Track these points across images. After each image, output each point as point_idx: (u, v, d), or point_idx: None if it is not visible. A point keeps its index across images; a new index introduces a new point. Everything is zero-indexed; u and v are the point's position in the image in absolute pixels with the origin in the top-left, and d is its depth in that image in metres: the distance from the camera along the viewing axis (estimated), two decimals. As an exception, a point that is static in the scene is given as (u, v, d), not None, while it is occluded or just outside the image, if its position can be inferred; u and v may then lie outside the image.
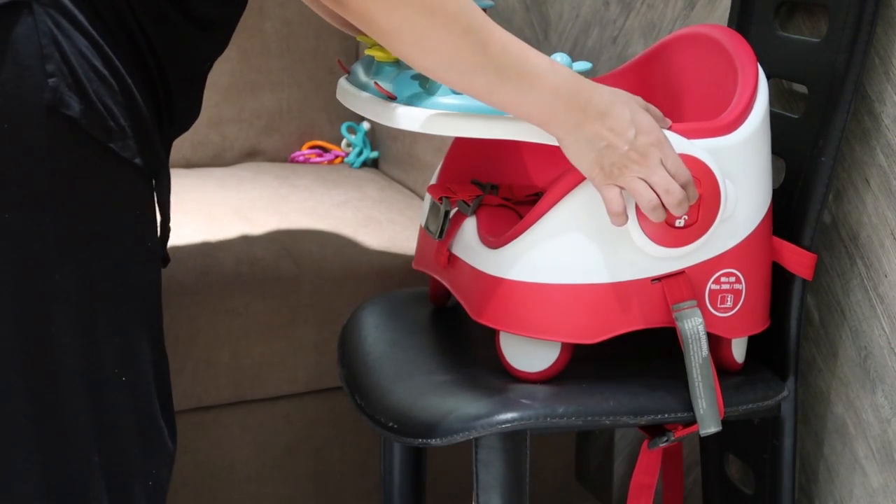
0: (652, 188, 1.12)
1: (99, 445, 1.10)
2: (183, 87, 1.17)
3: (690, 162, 1.13)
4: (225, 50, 1.24)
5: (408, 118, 1.13)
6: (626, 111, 1.11)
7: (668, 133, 1.14)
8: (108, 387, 1.10)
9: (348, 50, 2.21)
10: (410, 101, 1.14)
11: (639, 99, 1.15)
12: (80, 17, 1.04)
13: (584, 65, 1.18)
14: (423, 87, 1.14)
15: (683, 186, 1.12)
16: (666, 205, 1.12)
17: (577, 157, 1.12)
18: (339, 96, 1.26)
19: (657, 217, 1.12)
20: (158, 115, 1.14)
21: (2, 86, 1.00)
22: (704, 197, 1.14)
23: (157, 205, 1.16)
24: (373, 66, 1.22)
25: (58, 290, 1.05)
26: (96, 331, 1.08)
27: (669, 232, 1.14)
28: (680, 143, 1.14)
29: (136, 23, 1.09)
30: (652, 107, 1.16)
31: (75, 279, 1.06)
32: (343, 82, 1.26)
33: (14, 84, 1.01)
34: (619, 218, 1.13)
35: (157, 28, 1.11)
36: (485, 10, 1.24)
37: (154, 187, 1.14)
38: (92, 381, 1.08)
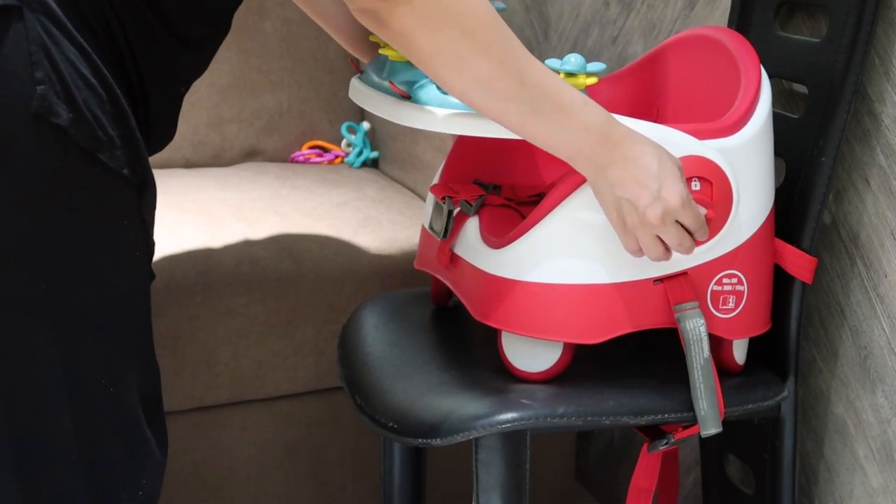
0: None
1: (83, 457, 1.09)
2: (161, 107, 1.17)
3: (702, 163, 1.13)
4: (202, 74, 1.24)
5: (423, 117, 1.13)
6: (655, 161, 1.09)
7: (679, 133, 1.14)
8: (93, 397, 1.09)
9: (347, 50, 2.20)
10: (425, 100, 1.14)
11: (674, 158, 1.13)
12: (69, 25, 1.03)
13: (598, 66, 1.17)
14: (438, 87, 1.14)
15: (698, 233, 1.14)
16: (675, 251, 1.13)
17: (599, 196, 1.12)
18: (352, 96, 1.26)
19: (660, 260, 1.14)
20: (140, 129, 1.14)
21: None
22: (716, 198, 1.14)
23: (142, 214, 1.15)
24: (386, 66, 1.22)
25: (43, 300, 1.05)
26: (82, 341, 1.08)
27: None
28: (691, 144, 1.14)
29: (124, 36, 1.09)
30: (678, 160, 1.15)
31: (61, 289, 1.05)
32: (356, 81, 1.26)
33: (1, 91, 1.00)
34: (636, 254, 1.14)
35: (143, 43, 1.10)
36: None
37: (142, 197, 1.13)
38: (76, 392, 1.08)
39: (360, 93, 1.23)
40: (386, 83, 1.18)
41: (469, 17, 1.03)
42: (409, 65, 1.20)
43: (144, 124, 1.15)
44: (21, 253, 1.03)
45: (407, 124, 1.15)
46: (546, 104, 1.07)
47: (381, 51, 1.22)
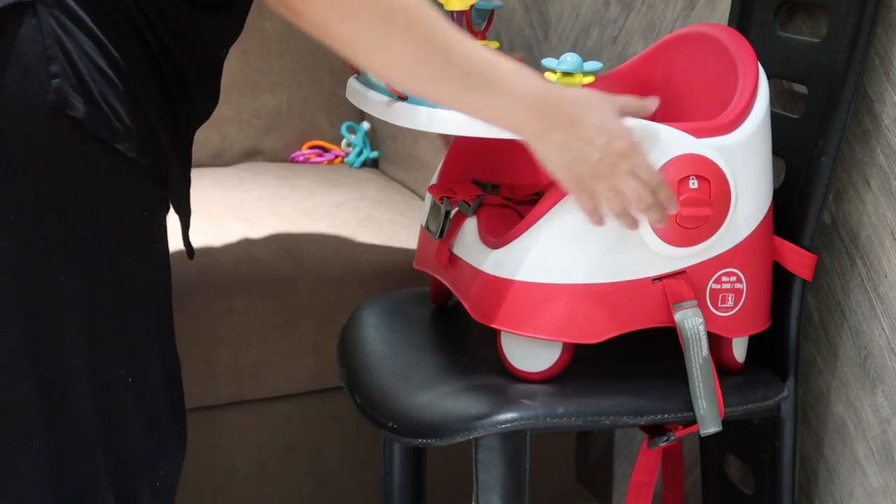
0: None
1: (105, 446, 1.10)
2: (198, 73, 1.16)
3: (700, 161, 1.14)
4: (239, 35, 1.23)
5: (420, 117, 1.13)
6: (597, 116, 1.09)
7: (677, 132, 1.14)
8: (115, 387, 1.10)
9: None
10: (420, 100, 1.14)
11: (614, 99, 1.13)
12: (84, 17, 1.03)
13: (595, 64, 1.17)
14: None
15: (656, 190, 1.12)
16: (638, 210, 1.12)
17: (548, 162, 1.11)
18: (349, 96, 1.26)
19: (626, 223, 1.13)
20: (173, 107, 1.13)
21: (6, 87, 1.00)
22: (715, 196, 1.14)
23: (171, 203, 1.15)
24: None
25: (63, 291, 1.05)
26: (102, 331, 1.08)
27: (679, 231, 1.14)
28: (689, 142, 1.14)
29: (142, 16, 1.08)
30: (628, 99, 1.15)
31: (81, 280, 1.06)
32: (353, 82, 1.26)
33: (18, 85, 1.00)
34: (594, 216, 1.13)
35: (164, 18, 1.10)
36: (493, 10, 1.23)
37: (165, 186, 1.13)
38: (98, 382, 1.08)
39: (357, 93, 1.23)
40: (382, 83, 1.18)
41: (385, 1, 1.01)
42: None
43: (182, 96, 1.14)
44: (39, 244, 1.04)
45: (403, 124, 1.15)
46: (477, 79, 1.05)
47: None
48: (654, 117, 1.32)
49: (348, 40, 1.03)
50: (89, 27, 1.04)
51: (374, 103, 1.19)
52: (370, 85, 1.22)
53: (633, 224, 1.14)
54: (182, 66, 1.13)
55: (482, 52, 1.06)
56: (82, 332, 1.07)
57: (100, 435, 1.09)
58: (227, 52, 1.22)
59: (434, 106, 1.13)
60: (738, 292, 1.20)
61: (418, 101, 1.14)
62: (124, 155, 1.06)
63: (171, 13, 1.10)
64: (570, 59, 1.14)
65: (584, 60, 1.18)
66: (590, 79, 1.15)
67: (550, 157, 1.10)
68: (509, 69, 1.07)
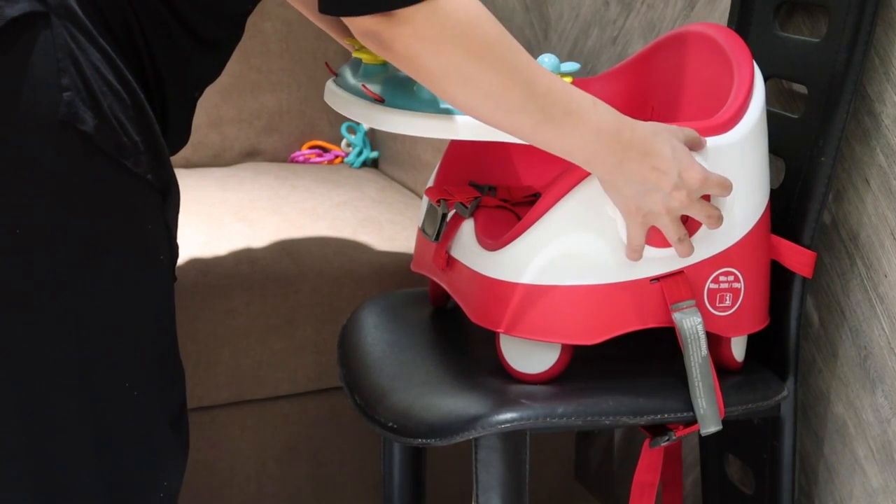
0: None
1: (103, 456, 1.10)
2: (178, 109, 1.17)
3: None
4: (217, 78, 1.24)
5: (394, 121, 1.13)
6: (668, 148, 1.10)
7: None
8: (115, 399, 1.10)
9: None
10: (398, 103, 1.14)
11: (675, 129, 1.14)
12: (94, 31, 1.03)
13: (572, 65, 1.17)
14: (411, 90, 1.14)
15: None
16: (707, 227, 1.14)
17: (617, 195, 1.12)
18: (327, 99, 1.26)
19: (683, 249, 1.14)
20: None
21: (16, 98, 0.99)
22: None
23: (167, 221, 1.15)
24: (360, 69, 1.22)
25: (67, 305, 1.05)
26: (105, 344, 1.08)
27: (659, 232, 1.14)
28: None
29: (144, 39, 1.09)
30: (688, 130, 1.15)
31: (86, 294, 1.06)
32: (331, 84, 1.26)
33: (28, 97, 1.00)
34: (636, 253, 1.14)
35: (162, 46, 1.11)
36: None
37: (166, 202, 1.13)
38: (97, 394, 1.08)
39: (335, 96, 1.23)
40: (359, 86, 1.18)
41: (474, 36, 1.02)
42: (382, 68, 1.20)
43: (162, 128, 1.15)
44: (46, 258, 1.03)
45: (378, 128, 1.15)
46: (557, 111, 1.06)
47: (355, 54, 1.22)
48: (649, 118, 1.32)
49: (437, 74, 1.03)
50: (98, 41, 1.03)
51: (351, 106, 1.19)
52: (348, 88, 1.22)
53: (690, 250, 1.14)
54: (167, 96, 1.14)
55: (561, 85, 1.07)
56: (82, 345, 1.06)
57: (96, 446, 1.09)
58: (200, 94, 1.23)
59: (417, 110, 1.13)
60: (735, 291, 1.20)
61: (396, 105, 1.14)
62: (130, 170, 1.06)
63: (172, 43, 1.11)
64: (546, 61, 1.15)
65: (584, 61, 1.17)
66: (567, 80, 1.16)
67: (620, 189, 1.11)
68: (586, 102, 1.08)
